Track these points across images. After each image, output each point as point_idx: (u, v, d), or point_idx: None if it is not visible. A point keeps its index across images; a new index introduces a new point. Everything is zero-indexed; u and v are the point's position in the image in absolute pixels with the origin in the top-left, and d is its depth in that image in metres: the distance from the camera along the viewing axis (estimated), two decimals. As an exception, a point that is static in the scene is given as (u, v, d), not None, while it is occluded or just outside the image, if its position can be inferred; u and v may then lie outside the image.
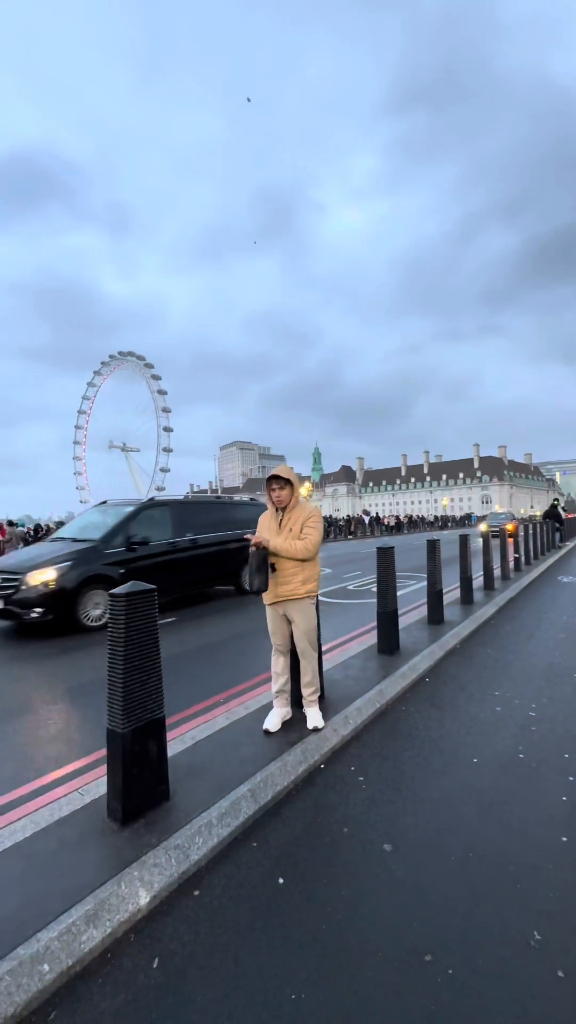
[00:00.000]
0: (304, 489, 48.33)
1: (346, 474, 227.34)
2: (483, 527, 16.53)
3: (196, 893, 2.90)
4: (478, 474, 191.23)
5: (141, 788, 3.32)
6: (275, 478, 4.30)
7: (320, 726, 4.36)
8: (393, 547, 6.45)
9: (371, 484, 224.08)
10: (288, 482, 4.30)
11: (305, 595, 4.31)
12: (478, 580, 12.00)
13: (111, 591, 3.32)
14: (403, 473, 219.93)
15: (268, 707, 4.79)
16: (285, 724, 4.46)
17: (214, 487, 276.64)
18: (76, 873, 2.89)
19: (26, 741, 4.65)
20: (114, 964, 2.51)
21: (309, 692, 4.47)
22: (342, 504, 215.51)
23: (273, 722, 4.38)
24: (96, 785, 3.75)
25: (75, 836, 3.20)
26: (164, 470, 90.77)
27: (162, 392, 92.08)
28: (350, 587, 13.00)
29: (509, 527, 18.47)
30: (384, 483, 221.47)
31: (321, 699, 4.85)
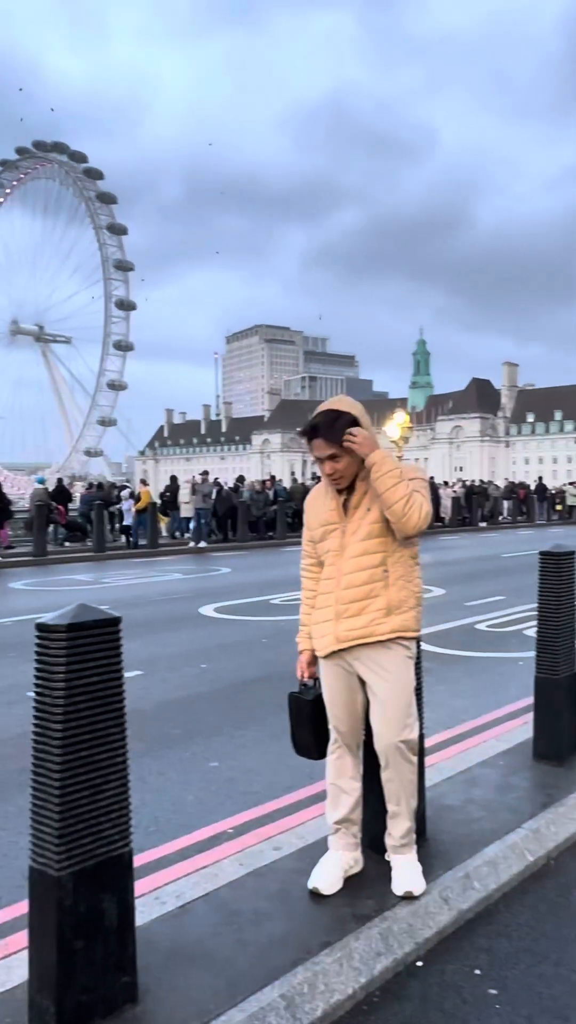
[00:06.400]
0: (398, 425, 29.52)
1: (480, 396, 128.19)
2: None
3: None
4: None
5: (88, 977, 1.96)
6: (332, 416, 2.53)
7: (417, 891, 2.62)
8: (574, 551, 4.08)
9: (532, 417, 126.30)
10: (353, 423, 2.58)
11: (392, 635, 2.64)
12: None
13: (37, 623, 2.01)
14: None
15: (318, 849, 2.99)
16: (350, 882, 2.72)
17: (216, 414, 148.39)
18: None
19: None
20: None
21: (401, 831, 2.77)
22: (471, 454, 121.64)
23: (327, 878, 2.68)
24: (7, 966, 2.24)
25: None
26: (115, 386, 47.73)
27: (117, 230, 47.34)
28: (480, 627, 8.45)
29: None
30: (561, 415, 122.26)
31: (420, 840, 3.03)
